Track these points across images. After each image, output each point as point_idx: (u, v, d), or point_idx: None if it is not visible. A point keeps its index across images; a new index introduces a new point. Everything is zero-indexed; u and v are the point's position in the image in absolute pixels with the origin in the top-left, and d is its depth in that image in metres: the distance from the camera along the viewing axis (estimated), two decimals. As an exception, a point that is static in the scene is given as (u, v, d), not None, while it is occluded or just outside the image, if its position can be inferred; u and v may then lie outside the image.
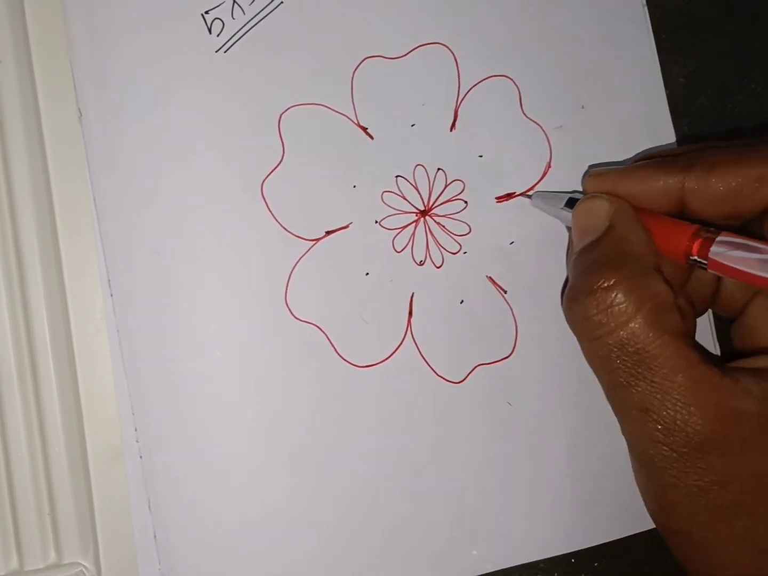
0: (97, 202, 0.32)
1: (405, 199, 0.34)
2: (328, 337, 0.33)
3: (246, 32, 0.33)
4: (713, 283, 0.32)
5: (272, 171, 0.33)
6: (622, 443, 0.29)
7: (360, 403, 0.33)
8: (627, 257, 0.29)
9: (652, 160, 0.32)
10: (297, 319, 0.33)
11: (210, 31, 0.33)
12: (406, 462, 0.33)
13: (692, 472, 0.27)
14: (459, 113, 0.34)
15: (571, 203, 0.32)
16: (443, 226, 0.34)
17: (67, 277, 0.31)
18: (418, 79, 0.34)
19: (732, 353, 0.32)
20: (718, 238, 0.28)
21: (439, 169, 0.34)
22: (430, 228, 0.34)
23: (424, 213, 0.34)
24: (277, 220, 0.33)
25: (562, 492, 0.34)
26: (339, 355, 0.33)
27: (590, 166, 0.35)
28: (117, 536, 0.31)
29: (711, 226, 0.29)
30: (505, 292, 0.34)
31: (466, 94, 0.35)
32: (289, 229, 0.33)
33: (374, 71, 0.34)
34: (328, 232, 0.33)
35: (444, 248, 0.34)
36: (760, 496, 0.27)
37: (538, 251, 0.34)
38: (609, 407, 0.29)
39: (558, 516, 0.34)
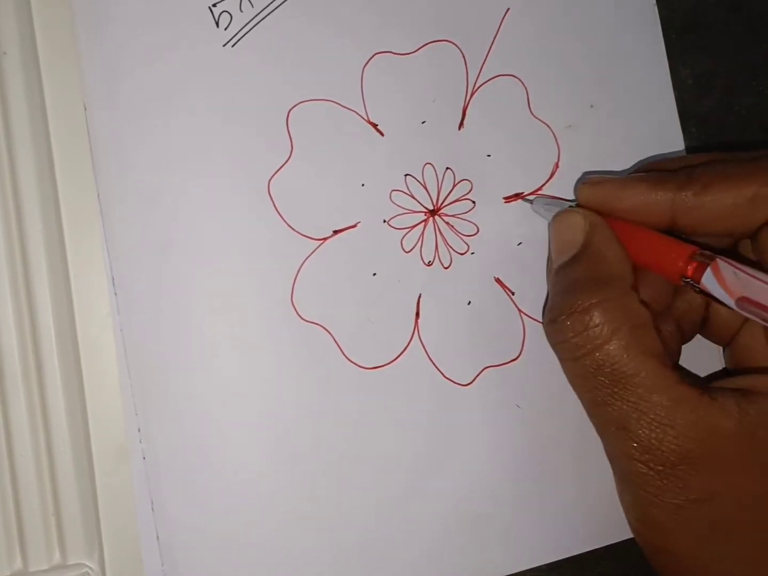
0: (102, 199, 0.31)
1: (414, 198, 0.34)
2: (334, 338, 0.32)
3: (254, 26, 0.32)
4: (702, 308, 0.32)
5: (280, 168, 0.32)
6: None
7: (366, 405, 0.32)
8: (603, 278, 0.29)
9: (648, 173, 0.31)
10: (303, 319, 0.32)
11: (217, 24, 0.32)
12: (413, 464, 0.33)
13: (668, 490, 0.27)
14: (467, 112, 0.34)
15: None
16: (452, 226, 0.34)
17: (73, 274, 0.30)
18: (428, 76, 0.34)
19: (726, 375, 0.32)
20: (714, 263, 0.27)
21: (447, 168, 0.34)
22: (440, 228, 0.34)
23: (433, 212, 0.34)
24: (283, 219, 0.32)
25: (567, 494, 0.34)
26: (345, 356, 0.32)
27: (585, 173, 0.35)
28: (122, 537, 0.30)
29: (704, 245, 0.29)
30: (513, 293, 0.34)
31: (474, 93, 0.34)
32: (295, 228, 0.32)
33: (384, 67, 0.33)
34: (335, 232, 0.33)
35: (453, 249, 0.34)
36: (739, 516, 0.27)
37: (546, 252, 0.34)
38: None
39: (564, 518, 0.34)
